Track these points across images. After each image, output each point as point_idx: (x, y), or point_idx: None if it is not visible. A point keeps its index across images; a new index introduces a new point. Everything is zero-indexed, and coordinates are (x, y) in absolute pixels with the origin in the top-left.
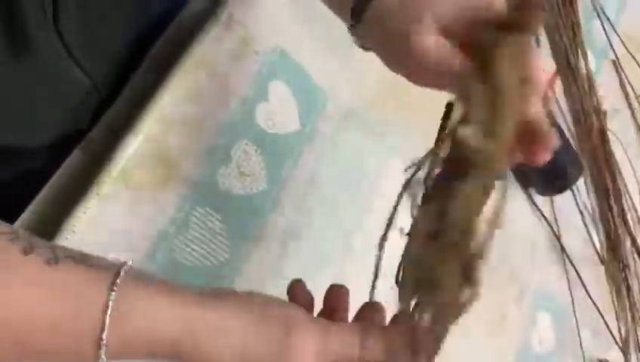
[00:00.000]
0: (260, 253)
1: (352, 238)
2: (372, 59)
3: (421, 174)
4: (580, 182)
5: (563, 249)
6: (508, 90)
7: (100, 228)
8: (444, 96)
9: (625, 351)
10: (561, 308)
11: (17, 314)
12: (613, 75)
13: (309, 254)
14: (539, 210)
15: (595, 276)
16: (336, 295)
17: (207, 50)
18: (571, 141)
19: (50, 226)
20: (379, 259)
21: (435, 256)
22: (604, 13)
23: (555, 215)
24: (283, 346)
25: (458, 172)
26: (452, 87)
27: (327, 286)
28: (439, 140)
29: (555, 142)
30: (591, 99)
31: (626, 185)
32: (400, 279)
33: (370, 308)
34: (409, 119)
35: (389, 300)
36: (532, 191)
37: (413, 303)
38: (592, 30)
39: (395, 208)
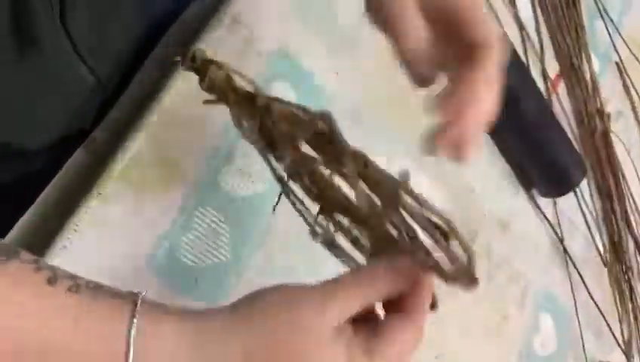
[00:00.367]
0: (262, 253)
1: None
2: (375, 60)
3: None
4: (583, 183)
5: (565, 250)
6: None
7: (101, 227)
8: None
9: (627, 354)
10: (563, 310)
11: (53, 341)
12: (617, 77)
13: (311, 254)
14: (541, 211)
15: (598, 278)
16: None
17: (211, 50)
18: (574, 143)
19: (51, 225)
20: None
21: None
22: (607, 14)
23: (557, 216)
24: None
25: None
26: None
27: None
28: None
29: None
30: (594, 101)
31: (629, 187)
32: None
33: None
34: (410, 120)
35: None
36: (535, 192)
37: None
38: (595, 32)
39: None
